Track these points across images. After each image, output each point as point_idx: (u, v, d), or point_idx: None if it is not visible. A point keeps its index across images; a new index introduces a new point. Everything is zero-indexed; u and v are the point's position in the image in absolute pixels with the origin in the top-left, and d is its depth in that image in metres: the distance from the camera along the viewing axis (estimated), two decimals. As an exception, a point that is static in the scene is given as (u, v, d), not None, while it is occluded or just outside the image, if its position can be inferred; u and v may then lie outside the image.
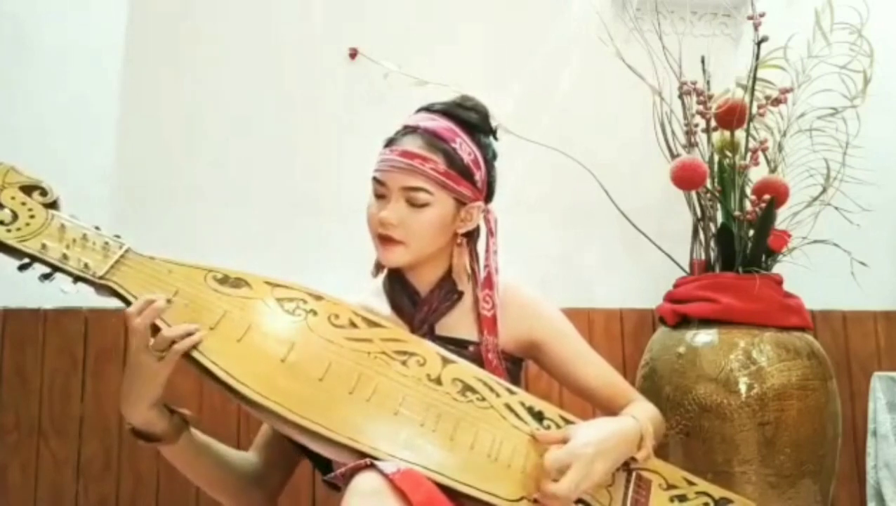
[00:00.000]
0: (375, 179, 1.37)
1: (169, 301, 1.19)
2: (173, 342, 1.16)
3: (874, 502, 1.98)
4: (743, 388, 1.70)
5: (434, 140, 1.35)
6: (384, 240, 1.35)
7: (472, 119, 1.41)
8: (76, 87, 2.05)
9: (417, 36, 2.22)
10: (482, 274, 1.41)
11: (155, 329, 1.18)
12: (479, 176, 1.39)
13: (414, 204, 1.33)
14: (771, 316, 1.78)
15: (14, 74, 2.02)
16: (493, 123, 1.46)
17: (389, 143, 1.38)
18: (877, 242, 2.27)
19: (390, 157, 1.35)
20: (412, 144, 1.35)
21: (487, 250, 1.41)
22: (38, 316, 1.92)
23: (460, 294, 1.42)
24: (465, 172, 1.37)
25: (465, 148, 1.37)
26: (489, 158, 1.43)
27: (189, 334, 1.17)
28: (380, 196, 1.36)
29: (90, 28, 2.07)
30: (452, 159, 1.35)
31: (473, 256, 1.44)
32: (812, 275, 1.94)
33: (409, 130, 1.37)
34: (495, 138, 1.47)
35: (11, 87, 2.01)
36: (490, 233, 1.42)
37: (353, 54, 2.16)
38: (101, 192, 2.01)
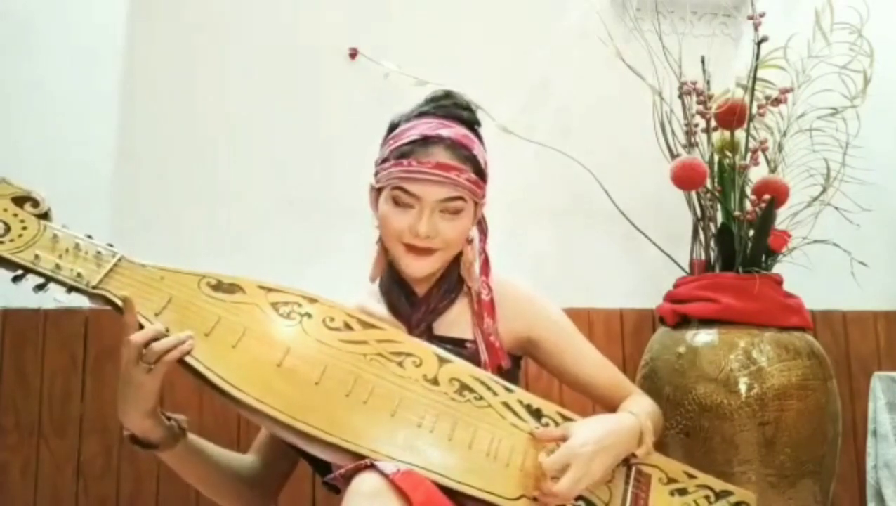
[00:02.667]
0: (403, 190, 1.33)
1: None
2: (163, 353, 1.15)
3: (874, 502, 1.97)
4: (743, 388, 1.70)
5: (460, 150, 1.35)
6: (417, 250, 1.35)
7: (471, 118, 1.43)
8: (74, 88, 2.04)
9: (417, 36, 2.22)
10: (479, 261, 1.42)
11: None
12: (487, 175, 1.42)
13: (448, 213, 1.34)
14: (771, 316, 1.78)
15: (12, 75, 2.02)
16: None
17: (409, 153, 1.34)
18: (877, 242, 2.27)
19: (424, 169, 1.32)
20: (444, 155, 1.33)
21: (483, 239, 1.43)
22: (38, 316, 1.92)
23: (457, 293, 1.42)
24: (483, 176, 1.39)
25: (479, 151, 1.39)
26: None
27: (180, 343, 1.16)
28: (405, 205, 1.34)
29: (90, 28, 2.08)
30: (476, 165, 1.37)
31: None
32: (812, 275, 1.94)
33: (433, 140, 1.34)
34: None
35: (9, 89, 2.01)
36: (481, 221, 1.44)
37: (353, 54, 2.16)
38: (100, 192, 2.01)
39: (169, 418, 1.27)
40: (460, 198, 1.34)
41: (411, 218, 1.33)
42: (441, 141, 1.34)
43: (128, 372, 1.17)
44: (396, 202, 1.35)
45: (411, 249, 1.35)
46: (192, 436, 1.30)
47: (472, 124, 1.42)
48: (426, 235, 1.33)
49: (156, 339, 1.16)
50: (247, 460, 1.41)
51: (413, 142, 1.35)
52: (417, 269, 1.36)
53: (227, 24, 2.15)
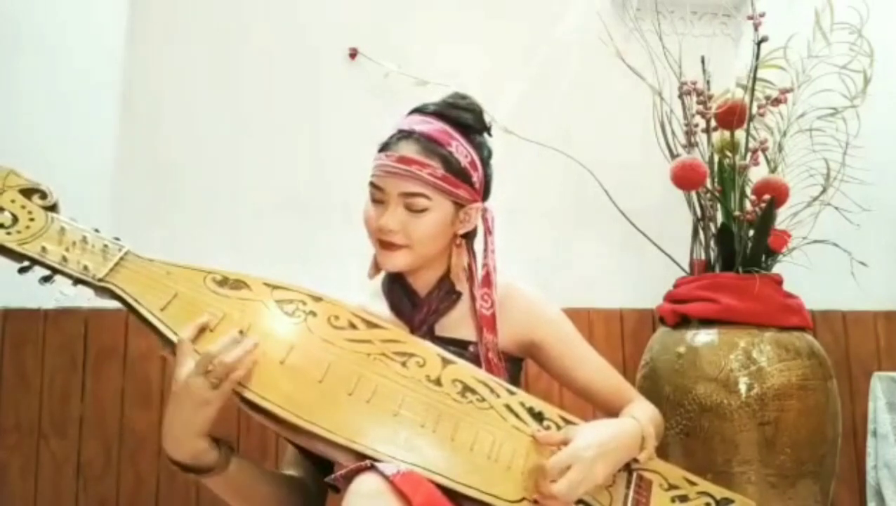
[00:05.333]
0: (373, 185, 1.35)
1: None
2: (233, 367, 1.12)
3: (874, 502, 1.98)
4: (743, 388, 1.70)
5: (431, 144, 1.33)
6: (385, 245, 1.34)
7: (466, 120, 1.39)
8: (73, 86, 2.05)
9: (417, 36, 2.22)
10: (480, 273, 1.40)
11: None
12: (477, 177, 1.38)
13: (413, 209, 1.32)
14: (771, 316, 1.78)
15: (10, 73, 2.02)
16: (487, 120, 1.44)
17: (384, 147, 1.36)
18: (877, 242, 2.27)
19: (387, 162, 1.33)
20: (409, 149, 1.33)
21: (485, 249, 1.40)
22: (38, 316, 1.92)
23: (459, 294, 1.41)
24: (462, 175, 1.35)
25: (461, 150, 1.35)
26: (485, 157, 1.41)
27: (247, 353, 1.14)
28: (377, 201, 1.35)
29: (89, 25, 2.08)
30: (449, 163, 1.34)
31: (472, 255, 1.43)
32: (812, 275, 1.94)
33: (404, 134, 1.35)
34: (489, 135, 1.45)
35: (7, 86, 2.01)
36: (488, 231, 1.40)
37: (353, 54, 2.16)
38: (99, 193, 2.01)
39: (217, 440, 1.22)
40: (422, 195, 1.32)
41: (380, 213, 1.34)
42: (411, 135, 1.34)
43: (188, 388, 1.13)
44: (372, 198, 1.36)
45: (383, 244, 1.35)
46: (240, 457, 1.26)
47: (465, 126, 1.38)
48: (389, 230, 1.32)
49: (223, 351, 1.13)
50: (289, 476, 1.36)
51: (391, 136, 1.36)
52: (389, 264, 1.36)
53: (227, 25, 2.15)
